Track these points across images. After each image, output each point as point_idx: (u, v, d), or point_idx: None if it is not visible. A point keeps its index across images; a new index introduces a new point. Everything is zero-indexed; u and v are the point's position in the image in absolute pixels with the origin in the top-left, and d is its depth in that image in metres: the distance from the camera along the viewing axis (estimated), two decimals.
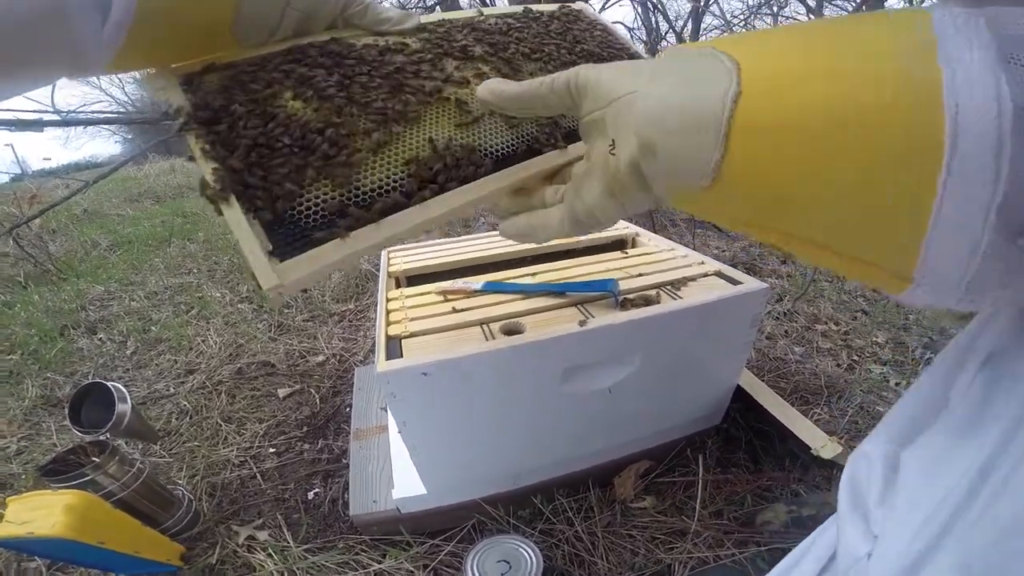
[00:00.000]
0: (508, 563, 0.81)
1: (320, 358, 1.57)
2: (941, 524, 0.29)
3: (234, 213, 0.37)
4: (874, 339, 1.64)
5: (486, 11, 0.61)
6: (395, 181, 0.42)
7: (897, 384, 1.42)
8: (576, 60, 0.58)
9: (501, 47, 0.55)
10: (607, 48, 0.62)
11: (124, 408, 1.01)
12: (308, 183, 0.39)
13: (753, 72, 0.24)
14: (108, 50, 0.38)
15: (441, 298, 0.90)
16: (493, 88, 0.40)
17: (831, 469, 1.02)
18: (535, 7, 0.64)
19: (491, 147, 0.46)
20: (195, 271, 2.43)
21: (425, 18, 0.56)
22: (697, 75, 0.26)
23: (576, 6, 0.68)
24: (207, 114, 0.40)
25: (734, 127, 0.24)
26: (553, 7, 0.66)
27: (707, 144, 0.25)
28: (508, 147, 0.47)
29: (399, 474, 0.93)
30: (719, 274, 0.94)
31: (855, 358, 1.55)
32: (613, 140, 0.31)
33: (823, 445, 0.95)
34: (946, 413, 0.33)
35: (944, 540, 0.28)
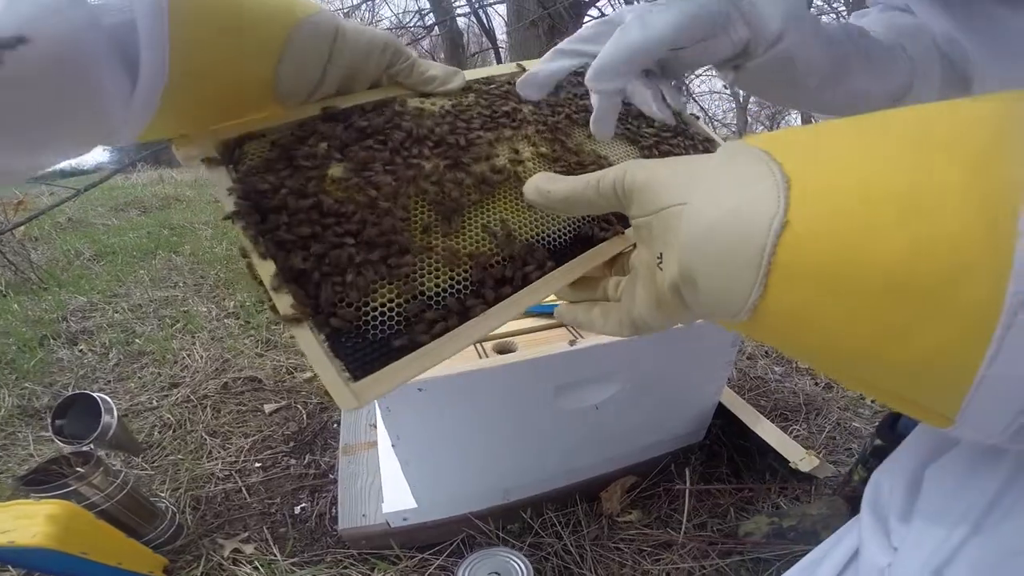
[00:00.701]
0: (499, 575, 0.82)
1: (307, 374, 1.57)
2: (958, 541, 0.31)
3: (302, 330, 0.34)
4: None
5: (526, 64, 0.56)
6: (465, 281, 0.39)
7: (872, 402, 1.45)
8: (632, 136, 0.54)
9: (550, 112, 0.52)
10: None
11: (110, 420, 1.01)
12: (372, 285, 0.36)
13: (802, 194, 0.21)
14: (140, 116, 0.34)
15: None
16: (540, 187, 0.36)
17: (809, 483, 1.05)
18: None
19: (546, 235, 0.43)
20: (181, 284, 2.40)
21: (470, 74, 0.52)
22: (746, 193, 0.22)
23: None
24: (254, 201, 0.37)
25: (776, 264, 0.21)
26: None
27: (746, 281, 0.22)
28: (561, 234, 0.43)
29: (389, 488, 0.94)
30: None
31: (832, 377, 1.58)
32: (661, 254, 0.28)
33: (801, 458, 0.98)
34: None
35: (959, 556, 0.30)
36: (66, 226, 3.66)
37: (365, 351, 0.34)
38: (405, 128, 0.44)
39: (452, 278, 0.38)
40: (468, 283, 0.38)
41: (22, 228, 2.25)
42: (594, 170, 0.48)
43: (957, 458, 0.34)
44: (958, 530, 0.31)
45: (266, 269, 0.35)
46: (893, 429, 0.88)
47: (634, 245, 0.42)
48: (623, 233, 0.44)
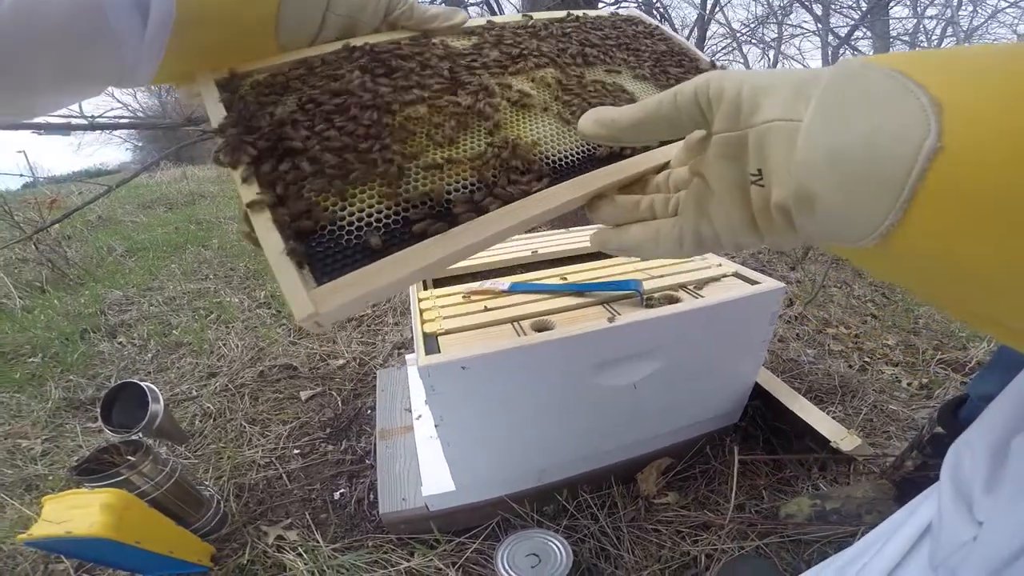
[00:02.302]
0: (538, 556, 0.83)
1: (340, 361, 1.59)
2: None
3: (263, 224, 0.32)
4: (884, 341, 1.66)
5: (535, 15, 0.57)
6: (460, 185, 0.37)
7: (908, 384, 1.43)
8: (657, 73, 0.53)
9: (563, 51, 0.51)
10: (674, 58, 0.56)
11: (157, 408, 1.03)
12: (350, 186, 0.35)
13: (960, 117, 0.19)
14: (152, 56, 0.37)
15: (470, 298, 0.93)
16: (601, 118, 0.33)
17: (848, 465, 1.04)
18: (578, 12, 0.59)
19: (556, 153, 0.41)
20: (212, 277, 2.46)
21: (471, 22, 0.53)
22: (882, 115, 0.21)
23: (631, 13, 0.62)
24: (245, 124, 0.37)
25: (923, 190, 0.19)
26: (603, 12, 0.61)
27: (881, 206, 0.21)
28: (572, 153, 0.42)
29: (427, 472, 0.95)
30: (737, 275, 0.96)
31: (867, 359, 1.56)
32: (759, 171, 0.26)
33: (843, 438, 0.97)
34: None
35: None
36: (97, 224, 3.75)
37: (335, 257, 0.32)
38: (410, 57, 0.45)
39: (443, 182, 0.37)
40: (460, 189, 0.37)
41: (57, 226, 2.31)
42: (612, 97, 0.48)
43: None
44: None
45: (246, 191, 0.34)
46: (955, 417, 0.86)
47: (665, 164, 0.40)
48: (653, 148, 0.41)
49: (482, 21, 0.54)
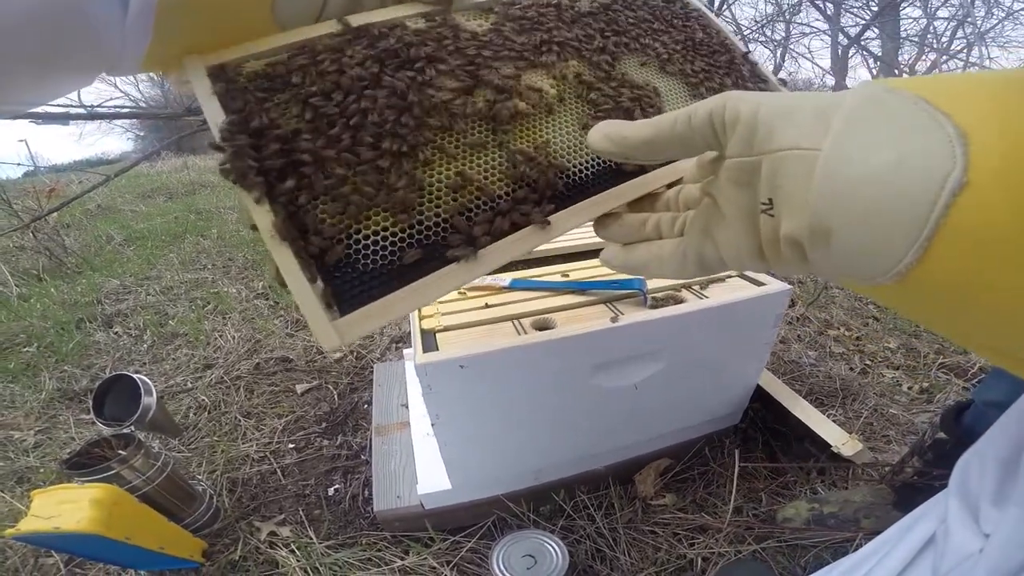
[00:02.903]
0: (533, 557, 0.81)
1: (337, 355, 1.58)
2: None
3: (282, 253, 0.31)
4: (886, 344, 1.64)
5: None
6: (475, 206, 0.36)
7: (909, 388, 1.42)
8: (699, 72, 0.50)
9: (590, 38, 0.47)
10: (717, 55, 0.52)
11: (150, 401, 1.02)
12: (369, 207, 0.33)
13: (988, 149, 0.18)
14: (136, 43, 0.35)
15: (468, 294, 0.91)
16: (611, 133, 0.31)
17: (847, 469, 1.03)
18: None
19: (571, 168, 0.39)
20: (210, 267, 2.44)
21: None
22: (906, 146, 0.20)
23: None
24: (248, 131, 0.34)
25: (946, 227, 0.19)
26: None
27: (901, 243, 0.20)
28: (583, 170, 0.40)
29: (423, 470, 0.94)
30: (742, 276, 0.95)
31: (868, 362, 1.55)
32: (770, 200, 0.25)
33: (844, 443, 0.95)
34: None
35: None
36: (96, 213, 3.74)
37: (353, 284, 0.32)
38: (421, 52, 0.40)
39: (455, 207, 0.35)
40: (476, 212, 0.36)
41: (55, 215, 2.29)
42: (639, 102, 0.45)
43: None
44: None
45: (261, 215, 0.32)
46: (958, 422, 0.85)
47: (676, 181, 0.39)
48: (661, 167, 0.39)
49: None
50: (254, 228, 0.33)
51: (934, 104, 0.20)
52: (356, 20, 0.41)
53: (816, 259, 0.24)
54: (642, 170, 0.40)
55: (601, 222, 0.39)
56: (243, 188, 0.33)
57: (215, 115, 0.35)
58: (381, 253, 0.33)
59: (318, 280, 0.31)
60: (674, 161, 0.39)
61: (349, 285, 0.32)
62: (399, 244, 0.33)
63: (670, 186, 0.40)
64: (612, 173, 0.40)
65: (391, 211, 0.34)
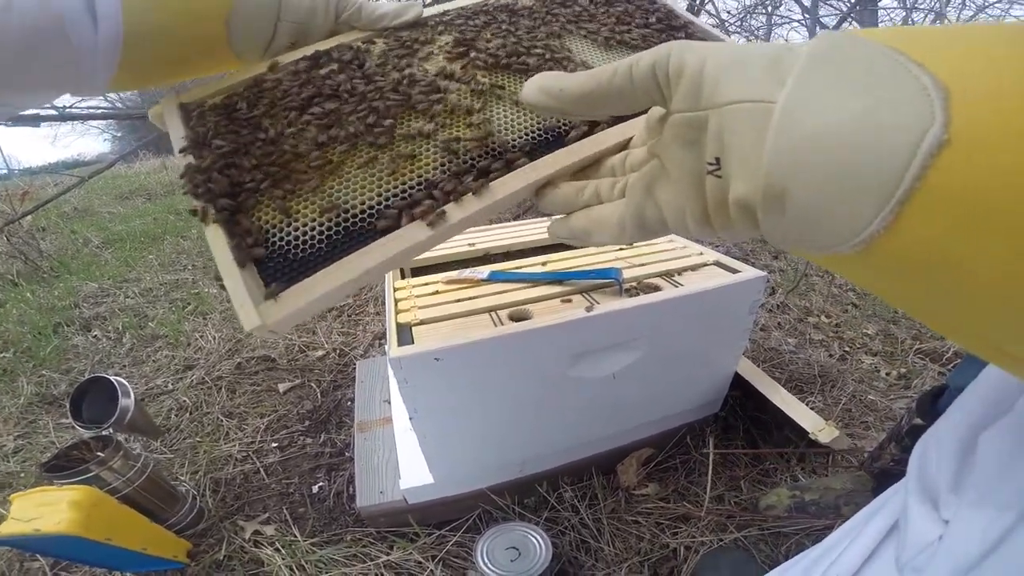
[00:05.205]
0: (517, 550, 0.82)
1: (320, 352, 1.57)
2: (1016, 516, 0.28)
3: (214, 234, 0.36)
4: (864, 331, 1.67)
5: None
6: (400, 191, 0.38)
7: (887, 374, 1.44)
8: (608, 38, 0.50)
9: (522, 38, 0.48)
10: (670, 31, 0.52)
11: (127, 402, 1.01)
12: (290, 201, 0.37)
13: (972, 105, 0.16)
14: (105, 68, 0.40)
15: (448, 287, 0.91)
16: (546, 86, 0.29)
17: (827, 457, 1.05)
18: None
19: (514, 138, 0.41)
20: (190, 268, 2.42)
21: (430, 11, 0.52)
22: (874, 97, 0.18)
23: None
24: (198, 144, 0.40)
25: (922, 190, 0.17)
26: None
27: (866, 210, 0.18)
28: (532, 133, 0.41)
29: (405, 464, 0.94)
30: (718, 263, 0.96)
31: (847, 349, 1.57)
32: (718, 159, 0.23)
33: (820, 429, 0.97)
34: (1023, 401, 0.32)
35: (1018, 532, 0.28)
36: (72, 215, 3.67)
37: (282, 271, 0.35)
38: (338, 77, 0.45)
39: (381, 192, 0.38)
40: (398, 196, 0.38)
41: (29, 218, 2.26)
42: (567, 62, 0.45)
43: (1014, 423, 0.32)
44: (1020, 500, 0.28)
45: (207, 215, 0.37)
46: (934, 407, 0.86)
47: (627, 143, 0.38)
48: (604, 129, 0.39)
49: (438, 10, 0.53)
50: (200, 217, 0.37)
51: (907, 54, 0.18)
52: (296, 56, 0.48)
53: (769, 225, 0.22)
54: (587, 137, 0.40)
55: (540, 193, 0.38)
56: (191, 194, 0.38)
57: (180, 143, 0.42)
58: (307, 243, 0.36)
59: (247, 265, 0.35)
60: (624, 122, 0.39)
61: (277, 271, 0.35)
62: (327, 233, 0.36)
63: (621, 150, 0.38)
64: (555, 143, 0.40)
65: (318, 206, 0.37)
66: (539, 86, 0.29)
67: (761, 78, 0.21)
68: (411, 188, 0.38)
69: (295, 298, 0.33)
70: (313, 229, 0.36)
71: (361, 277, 0.34)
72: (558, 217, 0.37)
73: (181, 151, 0.40)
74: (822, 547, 0.47)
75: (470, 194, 0.36)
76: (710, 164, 0.23)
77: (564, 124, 0.41)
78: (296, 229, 0.36)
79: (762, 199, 0.21)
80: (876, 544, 0.40)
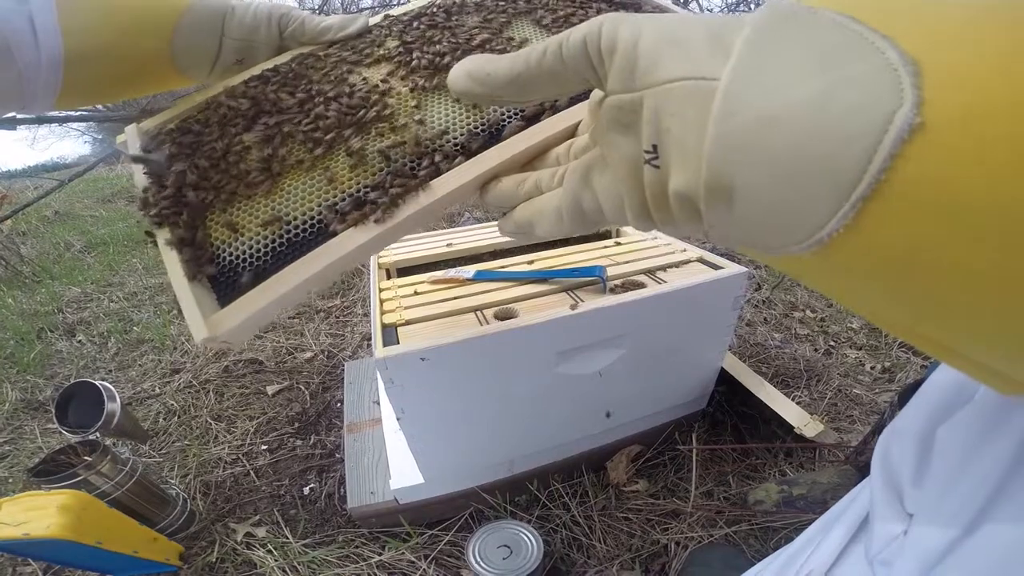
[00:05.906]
0: (509, 548, 0.83)
1: (308, 354, 1.57)
2: (976, 510, 0.28)
3: (167, 253, 0.38)
4: (849, 325, 1.69)
5: None
6: (340, 199, 0.38)
7: (872, 367, 1.47)
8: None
9: (464, 39, 0.46)
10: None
11: (113, 407, 1.01)
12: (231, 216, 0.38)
13: (948, 82, 0.14)
14: (50, 86, 0.41)
15: (433, 287, 0.92)
16: (473, 70, 0.26)
17: (813, 451, 1.06)
18: None
19: (454, 136, 0.40)
20: None
21: (375, 19, 0.52)
22: (833, 74, 0.15)
23: None
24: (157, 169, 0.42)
25: (891, 181, 0.14)
26: None
27: (823, 204, 0.15)
28: (475, 129, 0.40)
29: (395, 465, 0.95)
30: (701, 260, 0.97)
31: (832, 343, 1.59)
32: (655, 147, 0.20)
33: (806, 423, 0.98)
34: (982, 392, 0.31)
35: (982, 521, 0.28)
36: (53, 219, 3.61)
37: (232, 284, 0.36)
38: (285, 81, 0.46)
39: (321, 202, 0.38)
40: (337, 204, 0.38)
41: (9, 222, 2.22)
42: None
43: (971, 415, 0.31)
44: (979, 493, 0.28)
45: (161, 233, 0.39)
46: None
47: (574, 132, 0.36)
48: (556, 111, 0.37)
49: (380, 18, 0.52)
50: (154, 242, 0.40)
51: (867, 23, 0.15)
52: (242, 77, 0.48)
53: (714, 222, 0.20)
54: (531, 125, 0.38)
55: (483, 190, 0.36)
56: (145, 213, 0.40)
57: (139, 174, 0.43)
58: (254, 256, 0.37)
59: (197, 279, 0.36)
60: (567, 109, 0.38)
61: (228, 285, 0.36)
62: (271, 246, 0.37)
63: (568, 138, 0.36)
64: (496, 138, 0.39)
65: (262, 219, 0.38)
66: (466, 71, 0.26)
67: (703, 53, 0.18)
68: (350, 195, 0.38)
69: (239, 310, 0.34)
70: (258, 243, 0.37)
71: (300, 287, 0.35)
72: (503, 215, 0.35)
73: (145, 174, 0.42)
74: (799, 541, 0.48)
75: (410, 195, 0.36)
76: (647, 152, 0.21)
77: (510, 116, 0.40)
78: (243, 243, 0.37)
79: (704, 192, 0.19)
80: (848, 538, 0.41)
